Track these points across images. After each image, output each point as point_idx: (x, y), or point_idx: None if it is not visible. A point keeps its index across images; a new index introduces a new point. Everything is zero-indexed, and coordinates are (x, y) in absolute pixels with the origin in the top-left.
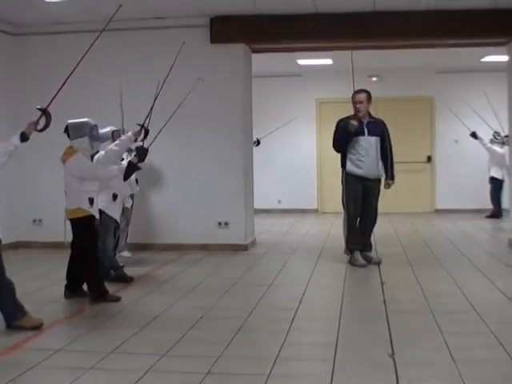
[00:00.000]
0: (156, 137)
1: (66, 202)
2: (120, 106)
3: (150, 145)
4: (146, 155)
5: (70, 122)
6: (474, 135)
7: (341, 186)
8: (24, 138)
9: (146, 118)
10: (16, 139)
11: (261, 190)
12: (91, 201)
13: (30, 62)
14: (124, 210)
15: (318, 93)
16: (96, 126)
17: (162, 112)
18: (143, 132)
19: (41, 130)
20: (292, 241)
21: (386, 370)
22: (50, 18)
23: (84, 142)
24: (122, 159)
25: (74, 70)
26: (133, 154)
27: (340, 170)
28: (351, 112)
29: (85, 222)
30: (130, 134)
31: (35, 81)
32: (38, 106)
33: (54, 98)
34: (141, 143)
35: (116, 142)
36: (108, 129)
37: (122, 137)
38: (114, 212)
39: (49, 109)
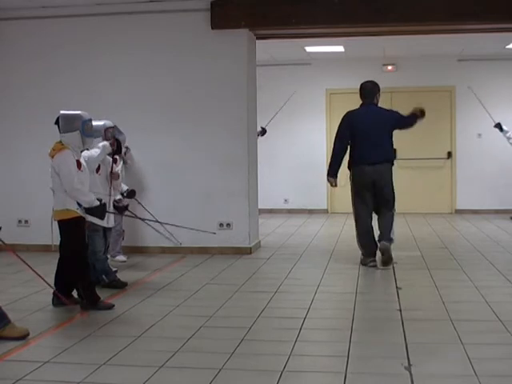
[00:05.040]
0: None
1: (54, 202)
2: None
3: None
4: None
5: (62, 112)
6: (499, 126)
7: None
8: None
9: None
10: None
11: (265, 189)
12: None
13: (13, 48)
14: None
15: (329, 83)
16: (90, 120)
17: (161, 103)
18: (115, 144)
19: None
20: (299, 243)
21: (402, 383)
22: (35, 2)
23: (74, 137)
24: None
25: None
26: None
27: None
28: None
29: (73, 223)
30: (106, 144)
31: (19, 69)
32: None
33: None
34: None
35: (98, 152)
36: (102, 123)
37: (100, 144)
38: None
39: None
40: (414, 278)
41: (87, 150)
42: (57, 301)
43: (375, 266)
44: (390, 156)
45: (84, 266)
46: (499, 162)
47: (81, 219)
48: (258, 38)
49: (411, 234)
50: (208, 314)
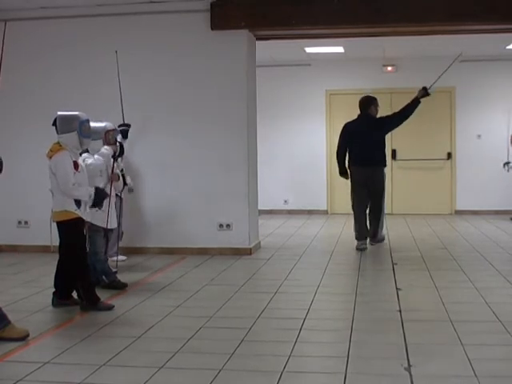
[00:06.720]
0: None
1: (53, 203)
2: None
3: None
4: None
5: (59, 113)
6: None
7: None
8: None
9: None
10: None
11: (265, 189)
12: (78, 202)
13: (13, 48)
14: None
15: (329, 83)
16: (87, 120)
17: (161, 103)
18: (119, 147)
19: None
20: (299, 244)
21: (402, 383)
22: (35, 3)
23: (72, 137)
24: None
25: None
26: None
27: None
28: None
29: (71, 225)
30: (108, 149)
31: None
32: None
33: None
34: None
35: (100, 157)
36: (103, 124)
37: (103, 150)
38: (101, 220)
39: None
40: (413, 278)
41: (87, 151)
42: (56, 302)
43: (365, 248)
44: (381, 159)
45: (83, 266)
46: (498, 163)
47: (79, 220)
48: (257, 39)
49: (411, 235)
50: (208, 314)
